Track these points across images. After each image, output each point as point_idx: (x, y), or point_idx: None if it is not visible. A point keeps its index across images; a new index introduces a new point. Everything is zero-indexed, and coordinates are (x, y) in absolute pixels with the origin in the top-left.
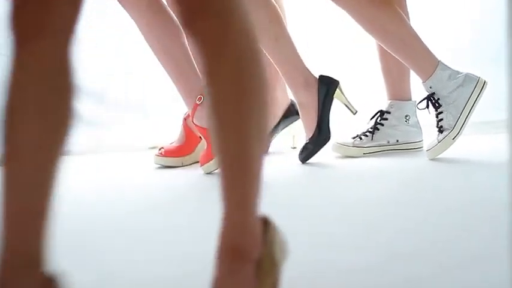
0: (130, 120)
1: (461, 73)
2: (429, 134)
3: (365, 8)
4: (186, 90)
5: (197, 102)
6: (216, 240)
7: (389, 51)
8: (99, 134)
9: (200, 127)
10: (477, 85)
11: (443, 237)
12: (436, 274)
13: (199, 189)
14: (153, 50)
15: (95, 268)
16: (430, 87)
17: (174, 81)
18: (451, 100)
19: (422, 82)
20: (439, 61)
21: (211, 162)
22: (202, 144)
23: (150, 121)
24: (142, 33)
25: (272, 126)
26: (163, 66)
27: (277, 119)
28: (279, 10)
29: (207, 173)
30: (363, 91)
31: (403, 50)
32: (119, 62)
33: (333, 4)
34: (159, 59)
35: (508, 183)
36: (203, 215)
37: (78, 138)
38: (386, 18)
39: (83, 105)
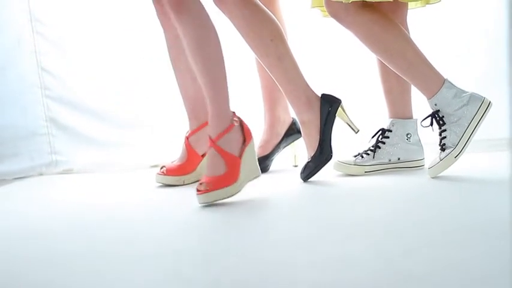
0: (132, 139)
1: (467, 92)
2: (430, 152)
3: (370, 29)
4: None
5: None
6: (218, 263)
7: (394, 70)
8: (102, 153)
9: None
10: (482, 105)
11: (445, 256)
12: None
13: (200, 209)
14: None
15: (96, 282)
16: (435, 105)
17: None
18: (455, 118)
19: (428, 99)
20: (445, 79)
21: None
22: (204, 163)
23: (152, 140)
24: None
25: (275, 145)
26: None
27: (279, 138)
28: (281, 29)
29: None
30: (365, 110)
31: (409, 69)
32: (122, 82)
33: (336, 24)
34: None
35: (510, 201)
36: (205, 236)
37: (80, 157)
38: (391, 38)
39: (85, 125)
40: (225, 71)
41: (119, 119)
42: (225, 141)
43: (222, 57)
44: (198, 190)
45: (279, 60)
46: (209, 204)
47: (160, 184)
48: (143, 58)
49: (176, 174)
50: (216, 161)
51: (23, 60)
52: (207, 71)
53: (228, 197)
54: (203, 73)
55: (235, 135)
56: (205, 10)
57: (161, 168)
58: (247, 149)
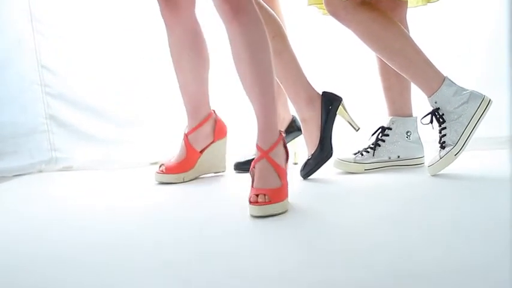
0: (132, 137)
1: (467, 90)
2: (430, 150)
3: (370, 27)
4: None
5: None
6: (218, 260)
7: (394, 68)
8: (102, 150)
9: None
10: (482, 103)
11: (446, 255)
12: None
13: (200, 207)
14: None
15: (97, 280)
16: (436, 102)
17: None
18: (455, 116)
19: (428, 97)
20: (445, 77)
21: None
22: (202, 159)
23: (152, 137)
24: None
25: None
26: None
27: None
28: (282, 26)
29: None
30: (365, 108)
31: (409, 66)
32: (122, 80)
33: (337, 22)
34: None
35: (510, 199)
36: (206, 234)
37: (80, 154)
38: (391, 36)
39: (85, 122)
40: (275, 80)
41: (119, 117)
42: (276, 153)
43: (273, 66)
44: (254, 202)
45: (280, 57)
46: (209, 204)
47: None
48: (143, 55)
49: (176, 172)
50: (270, 173)
51: (23, 58)
52: (260, 80)
53: (283, 212)
54: (254, 81)
55: (282, 149)
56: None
57: (160, 166)
58: (288, 162)
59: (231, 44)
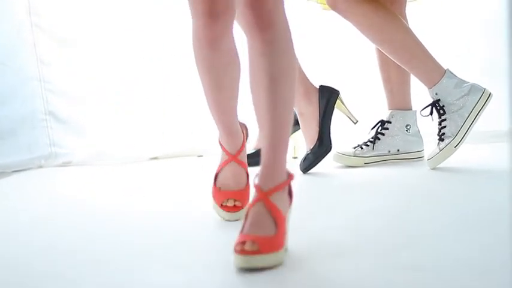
0: (132, 132)
1: (468, 83)
2: (429, 144)
3: (371, 19)
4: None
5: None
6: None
7: (395, 60)
8: (101, 145)
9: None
10: (483, 96)
11: (445, 246)
12: (438, 283)
13: (200, 204)
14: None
15: (97, 275)
16: (436, 94)
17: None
18: (455, 108)
19: (428, 89)
20: (446, 69)
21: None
22: None
23: (151, 132)
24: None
25: None
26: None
27: None
28: None
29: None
30: (363, 101)
31: (410, 59)
32: (121, 75)
33: (335, 15)
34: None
35: (509, 191)
36: (206, 229)
37: (80, 149)
38: (392, 29)
39: (84, 117)
40: (292, 114)
41: (118, 112)
42: (278, 198)
43: (294, 98)
44: (240, 250)
45: None
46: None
47: (158, 176)
48: (143, 50)
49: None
50: (265, 218)
51: (22, 53)
52: (276, 112)
53: (276, 265)
54: (269, 112)
55: (286, 195)
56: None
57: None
58: (290, 210)
59: (249, 61)
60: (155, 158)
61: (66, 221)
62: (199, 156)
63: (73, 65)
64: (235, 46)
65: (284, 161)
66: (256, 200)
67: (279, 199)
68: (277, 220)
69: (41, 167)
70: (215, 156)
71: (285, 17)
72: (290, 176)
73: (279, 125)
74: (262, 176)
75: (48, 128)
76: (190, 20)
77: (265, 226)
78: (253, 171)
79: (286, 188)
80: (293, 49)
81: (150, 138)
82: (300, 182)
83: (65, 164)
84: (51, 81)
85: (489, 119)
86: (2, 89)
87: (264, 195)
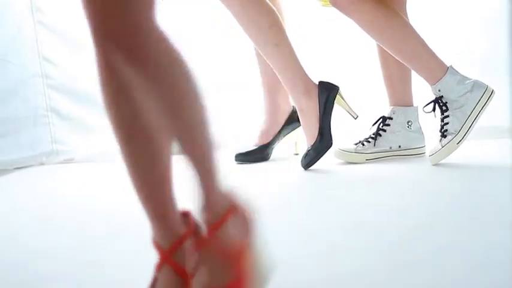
0: None
1: (470, 79)
2: (431, 140)
3: (373, 16)
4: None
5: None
6: None
7: (398, 58)
8: (103, 142)
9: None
10: (485, 93)
11: (447, 243)
12: (441, 280)
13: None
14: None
15: (97, 274)
16: (439, 90)
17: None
18: (458, 105)
19: (431, 85)
20: (449, 66)
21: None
22: None
23: None
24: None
25: (275, 133)
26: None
27: (280, 126)
28: (279, 16)
29: None
30: (363, 96)
31: (413, 56)
32: None
33: (334, 11)
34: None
35: (510, 187)
36: None
37: (81, 146)
38: (394, 26)
39: (86, 114)
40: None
41: None
42: (226, 231)
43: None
44: None
45: (277, 48)
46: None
47: None
48: None
49: None
50: (215, 264)
51: (24, 50)
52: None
53: None
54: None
55: (236, 222)
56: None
57: None
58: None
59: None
60: None
61: (67, 219)
62: None
63: (75, 61)
64: None
65: (215, 188)
66: (203, 244)
67: (226, 232)
68: (232, 261)
69: (42, 164)
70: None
71: (158, 36)
72: (231, 201)
73: (197, 153)
74: (204, 209)
75: (50, 124)
76: (191, 21)
77: (216, 274)
78: (256, 168)
79: (233, 212)
80: (182, 67)
81: None
82: (301, 179)
83: (67, 161)
84: (53, 78)
85: (490, 115)
86: (4, 86)
87: (210, 233)
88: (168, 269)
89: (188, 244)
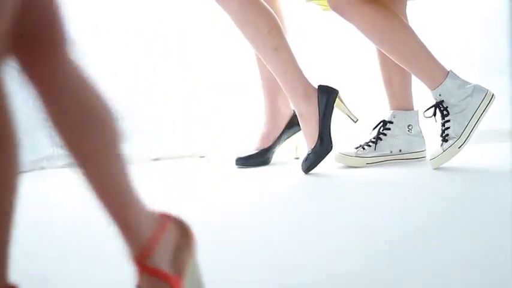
0: (134, 132)
1: (471, 84)
2: (431, 144)
3: (374, 21)
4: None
5: None
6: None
7: (398, 62)
8: None
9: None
10: (486, 97)
11: (448, 246)
12: (442, 283)
13: (200, 202)
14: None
15: (92, 274)
16: (440, 95)
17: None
18: (459, 109)
19: (431, 90)
20: (449, 70)
21: None
22: None
23: (154, 133)
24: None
25: (276, 137)
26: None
27: (280, 130)
28: (278, 20)
29: None
30: (363, 99)
31: (413, 60)
32: (123, 74)
33: (334, 15)
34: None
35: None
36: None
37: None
38: (395, 30)
39: None
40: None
41: (120, 112)
42: (158, 255)
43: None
44: None
45: (276, 52)
46: (210, 200)
47: (160, 177)
48: (145, 49)
49: None
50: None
51: None
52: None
53: None
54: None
55: (170, 239)
56: None
57: None
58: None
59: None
60: (157, 159)
61: (68, 223)
62: (201, 157)
63: None
64: None
65: (136, 212)
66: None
67: (160, 255)
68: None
69: (43, 168)
70: (217, 157)
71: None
72: (163, 219)
73: (107, 180)
74: (132, 231)
75: (50, 128)
76: (191, 20)
77: None
78: (257, 172)
79: (162, 233)
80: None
81: (152, 139)
82: (301, 183)
83: (67, 166)
84: None
85: (490, 118)
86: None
87: (141, 262)
88: (145, 276)
89: (164, 241)
